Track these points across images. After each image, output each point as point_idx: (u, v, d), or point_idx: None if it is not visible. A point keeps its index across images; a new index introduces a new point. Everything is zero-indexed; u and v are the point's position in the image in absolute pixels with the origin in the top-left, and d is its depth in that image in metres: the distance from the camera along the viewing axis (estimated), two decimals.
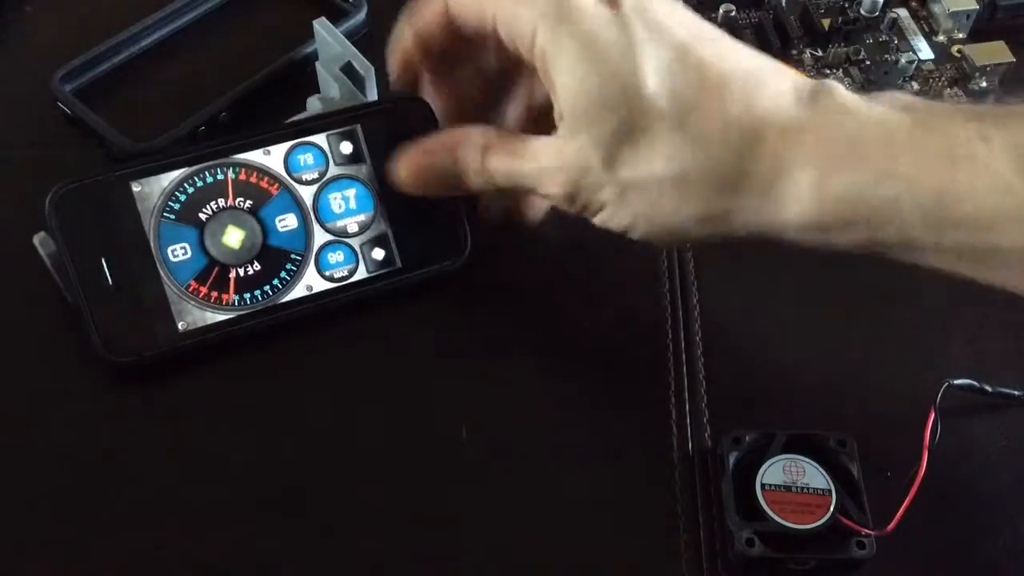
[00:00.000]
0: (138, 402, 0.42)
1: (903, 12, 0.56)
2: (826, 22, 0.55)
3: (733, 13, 0.55)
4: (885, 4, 0.56)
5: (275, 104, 0.49)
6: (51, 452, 0.41)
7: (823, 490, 0.38)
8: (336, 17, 0.53)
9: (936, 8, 0.56)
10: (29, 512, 0.40)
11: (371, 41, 0.54)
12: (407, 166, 0.43)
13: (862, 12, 0.56)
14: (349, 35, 0.52)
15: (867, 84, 0.53)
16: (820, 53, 0.55)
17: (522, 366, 0.44)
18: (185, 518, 0.40)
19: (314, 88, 0.50)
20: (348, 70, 0.48)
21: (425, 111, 0.44)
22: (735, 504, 0.38)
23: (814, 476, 0.39)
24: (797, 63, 0.54)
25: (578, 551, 0.39)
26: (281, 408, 0.43)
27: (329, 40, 0.49)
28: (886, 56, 0.55)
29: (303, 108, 0.49)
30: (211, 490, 0.40)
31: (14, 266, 0.45)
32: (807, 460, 0.39)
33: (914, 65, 0.54)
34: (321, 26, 0.49)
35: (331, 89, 0.48)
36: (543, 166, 0.39)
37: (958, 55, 0.55)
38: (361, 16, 0.54)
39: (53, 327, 0.44)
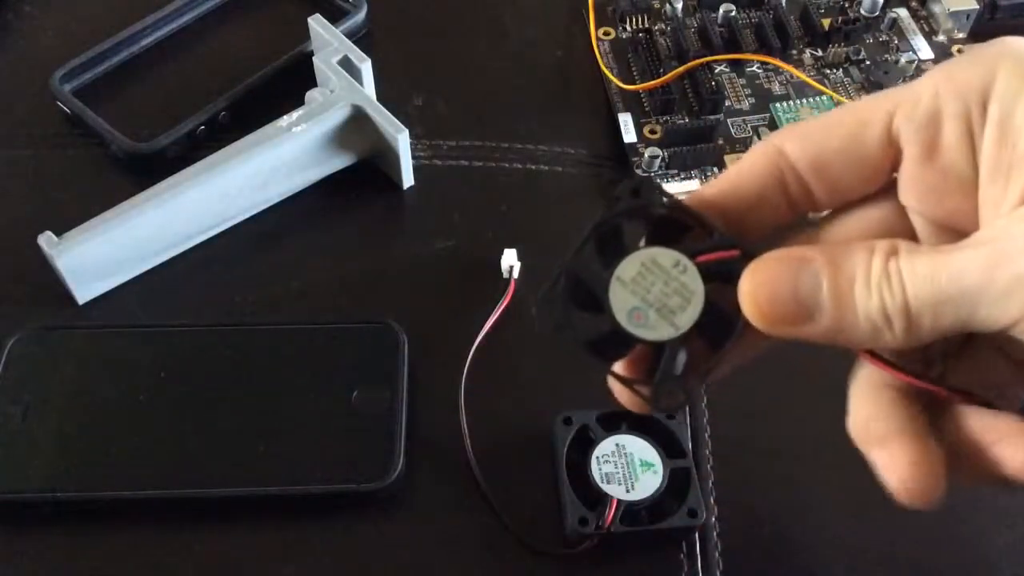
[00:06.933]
0: None
1: (903, 12, 0.57)
2: (826, 22, 0.55)
3: (733, 13, 0.55)
4: (885, 4, 0.56)
5: (275, 104, 0.49)
6: None
7: None
8: (336, 17, 0.53)
9: (936, 8, 0.56)
10: None
11: (371, 40, 0.54)
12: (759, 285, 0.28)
13: (862, 12, 0.56)
14: (349, 34, 0.52)
15: (867, 84, 0.53)
16: (820, 53, 0.55)
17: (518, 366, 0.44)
18: None
19: (312, 85, 0.50)
20: (345, 63, 0.48)
21: (392, 335, 0.42)
22: None
23: None
24: (797, 63, 0.54)
25: None
26: None
27: (324, 35, 0.49)
28: (886, 56, 0.55)
29: (302, 103, 0.49)
30: None
31: (16, 266, 0.45)
32: None
33: (914, 65, 0.54)
34: (316, 22, 0.50)
35: (329, 82, 0.48)
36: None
37: (958, 55, 0.55)
38: (361, 15, 0.55)
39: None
